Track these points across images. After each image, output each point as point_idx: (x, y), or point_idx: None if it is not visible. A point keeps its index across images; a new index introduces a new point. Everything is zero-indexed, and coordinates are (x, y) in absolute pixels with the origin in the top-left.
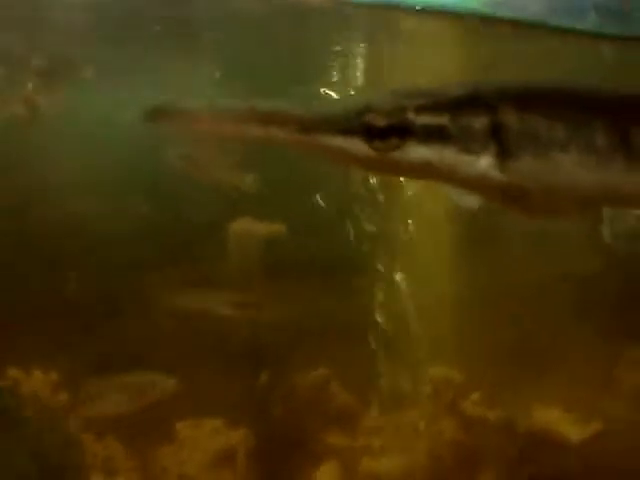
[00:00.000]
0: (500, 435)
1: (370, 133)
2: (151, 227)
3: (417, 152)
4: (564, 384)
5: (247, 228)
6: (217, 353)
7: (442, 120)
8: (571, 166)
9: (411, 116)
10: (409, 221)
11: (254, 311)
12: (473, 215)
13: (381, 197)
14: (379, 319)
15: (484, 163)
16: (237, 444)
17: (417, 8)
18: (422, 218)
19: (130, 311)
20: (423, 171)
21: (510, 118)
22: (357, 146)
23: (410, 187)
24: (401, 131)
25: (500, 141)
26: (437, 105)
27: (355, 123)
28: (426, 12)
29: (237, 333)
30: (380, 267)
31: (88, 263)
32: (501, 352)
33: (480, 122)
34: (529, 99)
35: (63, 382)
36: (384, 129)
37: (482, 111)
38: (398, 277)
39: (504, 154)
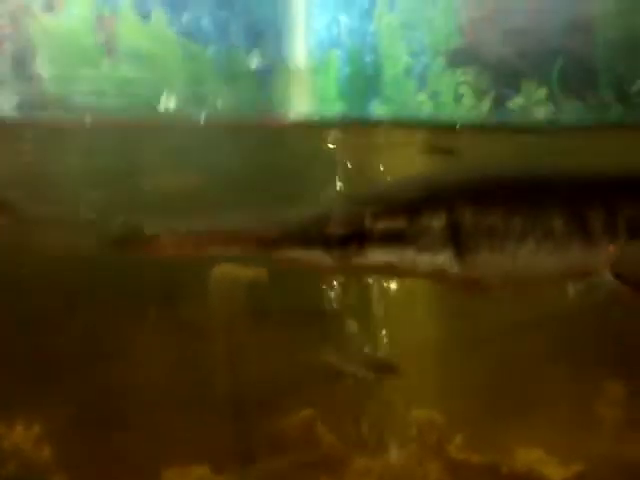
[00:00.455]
0: (484, 477)
1: (329, 242)
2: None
3: (377, 255)
4: (545, 425)
5: (229, 273)
6: (202, 399)
7: (399, 224)
8: (528, 255)
9: (369, 223)
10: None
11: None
12: None
13: None
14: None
15: (442, 260)
16: None
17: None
18: None
19: (112, 359)
20: (384, 271)
21: (466, 216)
22: (318, 256)
23: None
24: (359, 238)
25: (457, 238)
26: (393, 209)
27: (314, 234)
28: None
29: (221, 378)
30: (363, 312)
31: (65, 307)
32: (483, 395)
33: (437, 222)
34: (484, 194)
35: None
36: (343, 238)
37: (439, 211)
38: (383, 319)
39: (461, 250)
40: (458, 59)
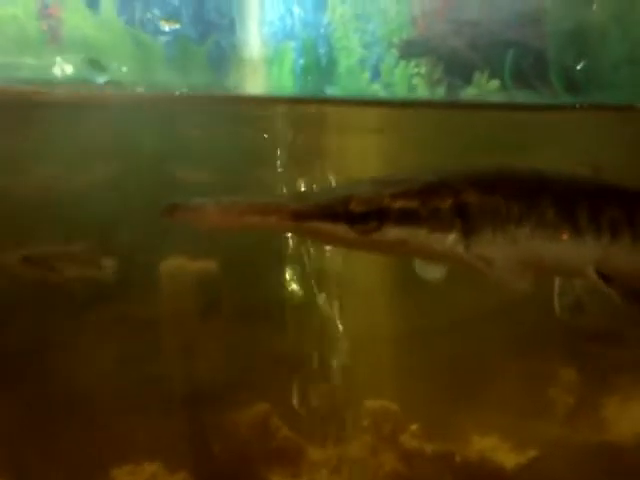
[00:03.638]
0: (438, 466)
1: (353, 218)
2: None
3: (393, 233)
4: (499, 412)
5: (179, 266)
6: (153, 395)
7: (414, 204)
8: (524, 239)
9: (387, 202)
10: (345, 257)
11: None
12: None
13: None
14: (316, 354)
15: (451, 239)
16: None
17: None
18: (358, 254)
19: (59, 356)
20: (399, 249)
21: (471, 199)
22: (342, 230)
23: None
24: (379, 216)
25: (464, 219)
26: (409, 191)
27: (340, 210)
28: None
29: (173, 373)
30: (317, 303)
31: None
32: (437, 384)
33: (446, 203)
34: (488, 182)
35: None
36: (365, 214)
37: (448, 195)
38: (335, 312)
39: (467, 231)
40: (411, 50)
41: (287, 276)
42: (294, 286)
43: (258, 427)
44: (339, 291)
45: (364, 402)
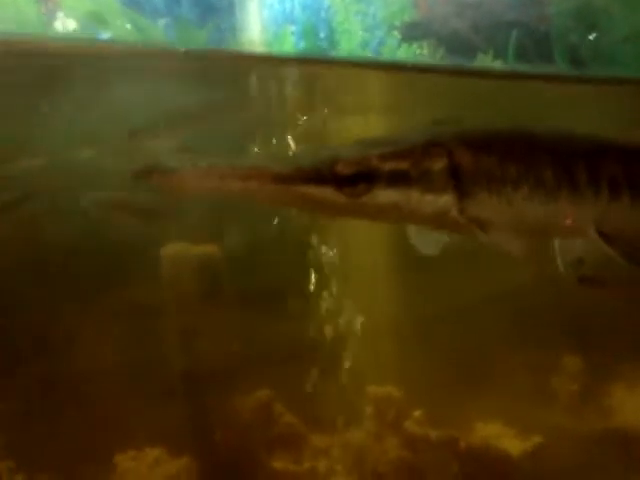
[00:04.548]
0: (442, 452)
1: (340, 181)
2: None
3: (384, 196)
4: (504, 399)
5: (181, 251)
6: (155, 380)
7: (405, 165)
8: (522, 201)
9: (377, 163)
10: (349, 243)
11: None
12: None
13: (320, 221)
14: (320, 340)
15: (444, 201)
16: (180, 473)
17: None
18: (362, 240)
19: (62, 342)
20: (391, 213)
21: (465, 160)
22: (329, 193)
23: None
24: (368, 177)
25: (458, 181)
26: (399, 152)
27: (326, 173)
28: None
29: (175, 359)
30: (321, 289)
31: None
32: (441, 370)
33: (439, 164)
34: (481, 142)
35: None
36: (353, 176)
37: (440, 155)
38: (339, 298)
39: (461, 192)
40: (413, 33)
41: (291, 262)
42: (297, 272)
43: (261, 413)
44: (342, 277)
45: (368, 388)
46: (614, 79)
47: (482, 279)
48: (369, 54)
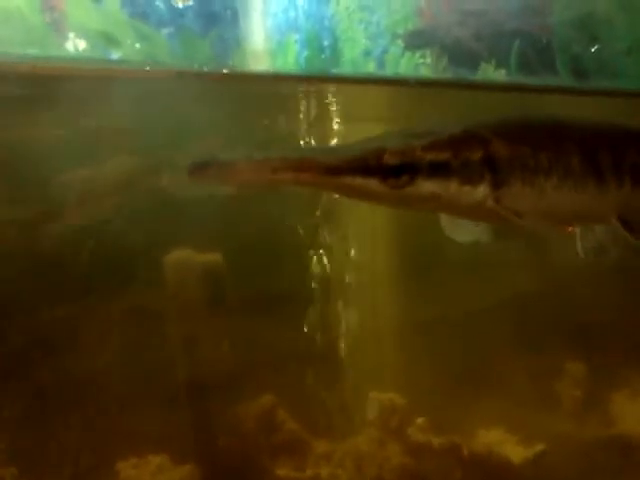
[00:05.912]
0: (445, 459)
1: (385, 172)
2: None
3: (425, 186)
4: (506, 406)
5: (185, 258)
6: (158, 387)
7: (445, 156)
8: (552, 190)
9: (419, 155)
10: (352, 250)
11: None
12: (414, 245)
13: (323, 229)
14: (323, 347)
15: (481, 191)
16: None
17: None
18: (365, 247)
19: (64, 348)
20: (430, 203)
21: (501, 151)
22: (374, 184)
23: (351, 221)
24: (411, 169)
25: (493, 171)
26: (440, 143)
27: (372, 164)
28: None
29: (179, 365)
30: (324, 296)
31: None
32: (444, 377)
33: (476, 155)
34: (515, 132)
35: None
36: (397, 168)
37: (477, 146)
38: (342, 305)
39: (497, 183)
40: (416, 41)
41: (294, 269)
42: (301, 279)
43: (264, 419)
44: (345, 284)
45: (370, 395)
46: (617, 92)
47: (485, 286)
48: (372, 62)
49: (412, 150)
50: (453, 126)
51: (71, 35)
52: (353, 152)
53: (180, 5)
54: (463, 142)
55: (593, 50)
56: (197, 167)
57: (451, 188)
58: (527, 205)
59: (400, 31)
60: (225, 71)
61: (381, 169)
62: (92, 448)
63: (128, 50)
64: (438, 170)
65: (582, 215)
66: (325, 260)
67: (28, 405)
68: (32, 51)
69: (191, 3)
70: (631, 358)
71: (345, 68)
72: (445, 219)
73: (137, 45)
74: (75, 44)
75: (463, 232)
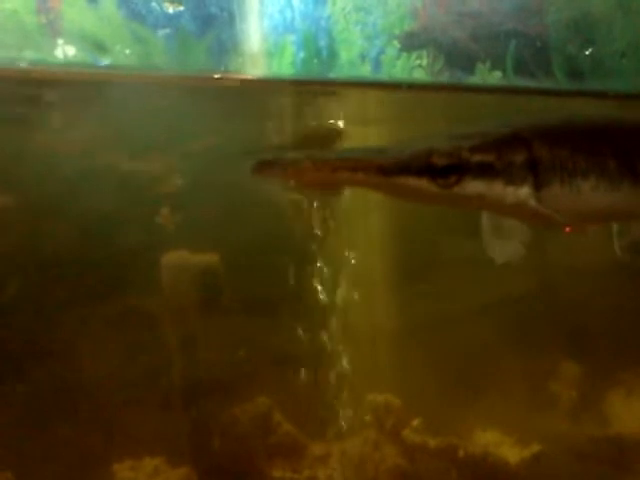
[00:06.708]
0: (441, 460)
1: (434, 172)
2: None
3: (472, 186)
4: (502, 407)
5: (180, 259)
6: (154, 388)
7: (490, 157)
8: (589, 191)
9: (466, 155)
10: (350, 253)
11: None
12: (410, 247)
13: (318, 231)
14: (319, 348)
15: (523, 192)
16: None
17: None
18: (362, 250)
19: (60, 350)
20: (475, 203)
21: (543, 152)
22: (424, 184)
23: (346, 223)
24: (459, 169)
25: (535, 173)
26: (486, 144)
27: (422, 164)
28: None
29: (174, 367)
30: (321, 298)
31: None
32: (439, 378)
33: (519, 157)
34: (555, 133)
35: None
36: (446, 168)
37: (520, 148)
38: (339, 307)
39: (538, 184)
40: (413, 42)
41: (291, 271)
42: (297, 281)
43: (260, 421)
44: (341, 286)
45: (366, 397)
46: (612, 93)
47: (480, 288)
48: (368, 63)
49: (459, 151)
50: (497, 128)
51: (66, 38)
52: (404, 153)
53: (170, 11)
54: (507, 144)
55: (587, 53)
56: (262, 165)
57: (496, 188)
58: (566, 205)
59: (396, 32)
60: (216, 76)
61: (431, 169)
62: (88, 451)
63: (124, 52)
64: (484, 171)
65: (618, 214)
66: (323, 263)
67: (24, 408)
68: (28, 54)
69: (182, 8)
70: (626, 359)
71: (341, 69)
72: (487, 238)
73: (131, 48)
74: (69, 47)
75: (505, 252)
